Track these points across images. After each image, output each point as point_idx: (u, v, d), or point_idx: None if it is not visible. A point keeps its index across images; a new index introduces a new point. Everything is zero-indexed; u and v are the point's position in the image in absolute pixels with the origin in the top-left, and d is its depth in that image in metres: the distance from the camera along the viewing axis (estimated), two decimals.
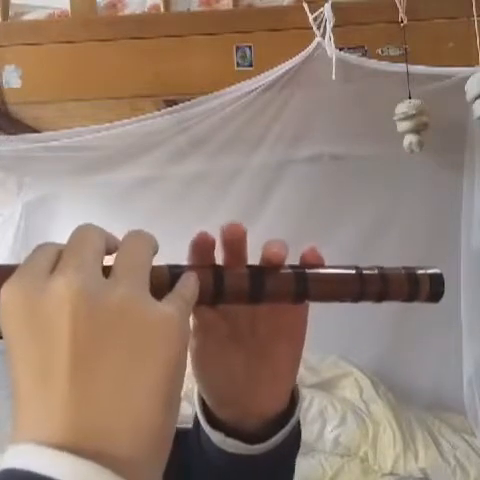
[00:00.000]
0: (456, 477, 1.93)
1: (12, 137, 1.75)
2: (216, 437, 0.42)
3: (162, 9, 1.76)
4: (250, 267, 0.37)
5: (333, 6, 1.60)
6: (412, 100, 1.55)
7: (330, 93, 1.71)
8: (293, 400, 0.44)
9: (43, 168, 2.03)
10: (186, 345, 0.31)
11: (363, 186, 2.31)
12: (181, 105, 1.71)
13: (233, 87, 1.65)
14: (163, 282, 0.33)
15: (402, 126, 1.57)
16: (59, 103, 1.74)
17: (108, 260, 0.32)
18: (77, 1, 1.75)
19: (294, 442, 0.45)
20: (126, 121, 1.75)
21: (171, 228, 2.34)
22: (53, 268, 0.30)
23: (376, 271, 0.38)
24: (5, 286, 0.29)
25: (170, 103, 1.75)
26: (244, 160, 2.07)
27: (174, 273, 0.34)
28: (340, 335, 2.34)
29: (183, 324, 0.31)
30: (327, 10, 1.60)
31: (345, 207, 2.33)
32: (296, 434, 0.45)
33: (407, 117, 1.54)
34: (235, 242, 0.38)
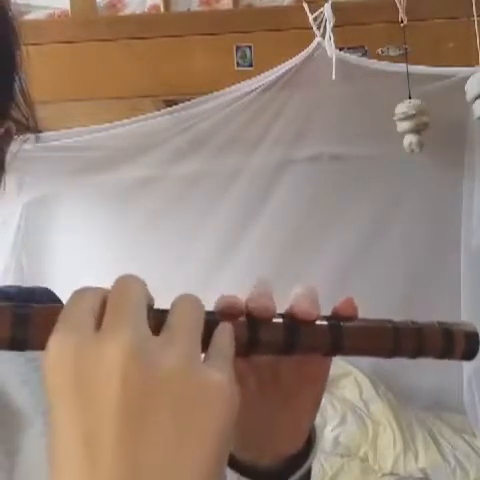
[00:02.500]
0: (456, 477, 1.93)
1: (19, 138, 1.74)
2: (231, 477, 0.42)
3: (162, 9, 1.76)
4: (283, 317, 0.36)
5: (333, 6, 1.60)
6: (412, 100, 1.55)
7: (330, 93, 1.71)
8: (309, 440, 0.44)
9: (43, 168, 2.03)
10: (236, 409, 0.29)
11: (363, 186, 2.31)
12: (181, 105, 1.71)
13: (233, 87, 1.65)
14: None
15: (402, 126, 1.57)
16: (59, 103, 1.74)
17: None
18: (77, 1, 1.75)
19: None
20: (126, 121, 1.75)
21: (171, 228, 2.35)
22: (99, 321, 0.28)
23: (411, 326, 0.38)
24: (51, 343, 0.28)
25: (170, 103, 1.75)
26: (244, 160, 2.07)
27: (209, 321, 0.33)
28: None
29: (232, 388, 0.29)
30: (327, 10, 1.60)
31: (345, 207, 2.33)
32: (308, 475, 0.45)
33: (407, 117, 1.54)
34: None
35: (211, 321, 0.33)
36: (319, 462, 1.98)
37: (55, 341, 0.28)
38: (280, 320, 0.36)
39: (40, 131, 0.49)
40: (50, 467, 0.27)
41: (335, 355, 0.38)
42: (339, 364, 2.36)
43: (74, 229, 2.44)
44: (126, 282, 0.30)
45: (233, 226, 2.26)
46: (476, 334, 0.39)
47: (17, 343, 0.30)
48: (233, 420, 0.29)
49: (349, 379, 2.31)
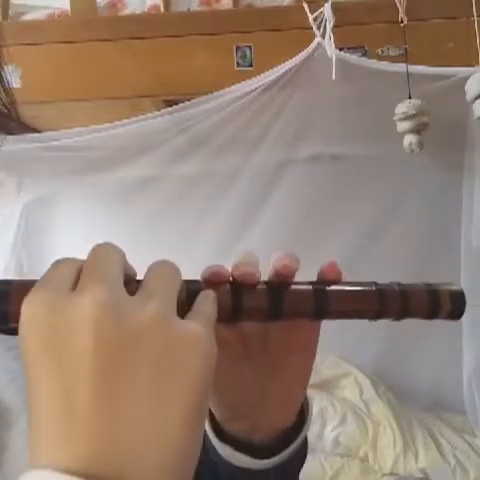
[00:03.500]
0: (456, 477, 1.93)
1: (12, 137, 1.74)
2: (224, 451, 0.41)
3: (162, 9, 1.76)
4: (268, 283, 0.36)
5: (333, 6, 1.60)
6: (412, 100, 1.55)
7: (330, 93, 1.70)
8: (302, 414, 0.44)
9: (43, 168, 2.03)
10: (214, 364, 0.30)
11: (363, 186, 2.31)
12: (181, 105, 1.71)
13: (233, 87, 1.65)
14: (181, 299, 0.32)
15: (402, 126, 1.57)
16: (59, 103, 1.74)
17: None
18: (77, 1, 1.75)
19: (301, 457, 0.44)
20: (126, 121, 1.75)
21: (171, 228, 2.35)
22: (74, 284, 0.29)
23: (396, 288, 0.38)
24: (25, 302, 0.28)
25: (170, 103, 1.75)
26: (244, 160, 2.07)
27: (192, 289, 0.33)
28: (340, 335, 2.34)
29: (210, 342, 0.30)
30: (327, 10, 1.60)
31: (345, 207, 2.33)
32: (303, 449, 0.44)
33: (407, 117, 1.54)
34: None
35: (194, 289, 0.33)
36: (319, 462, 1.98)
37: (29, 301, 0.28)
38: (264, 286, 0.36)
39: (29, 131, 0.49)
40: (28, 424, 0.27)
41: (321, 320, 0.38)
42: (339, 364, 2.36)
43: (74, 229, 2.44)
44: (103, 249, 0.31)
45: (233, 226, 2.26)
46: (462, 293, 0.39)
47: None
48: (211, 374, 0.29)
49: (349, 379, 2.31)
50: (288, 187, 2.24)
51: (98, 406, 0.25)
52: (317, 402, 2.14)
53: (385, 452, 2.04)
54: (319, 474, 1.93)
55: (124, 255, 0.31)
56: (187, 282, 0.33)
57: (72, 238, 2.41)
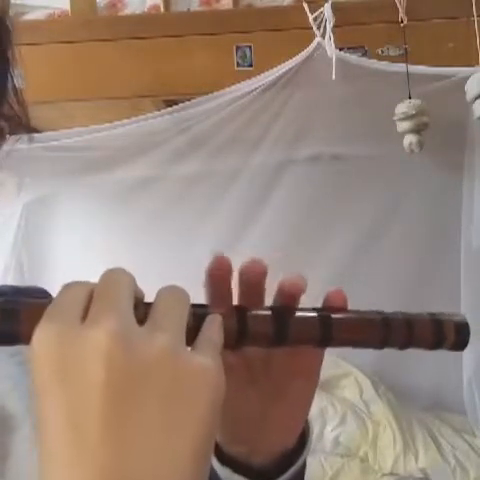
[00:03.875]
0: (456, 477, 1.93)
1: (11, 137, 1.74)
2: (223, 473, 0.41)
3: (162, 9, 1.76)
4: (273, 309, 0.36)
5: (333, 6, 1.60)
6: (412, 100, 1.55)
7: (330, 93, 1.70)
8: (303, 437, 0.44)
9: (43, 168, 2.03)
10: (222, 395, 0.30)
11: (363, 186, 2.31)
12: (181, 105, 1.71)
13: (233, 87, 1.65)
14: (189, 323, 0.32)
15: (402, 126, 1.57)
16: (59, 103, 1.74)
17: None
18: (77, 1, 1.75)
19: (300, 478, 0.44)
20: (126, 121, 1.75)
21: (171, 228, 2.35)
22: (85, 312, 0.29)
23: (400, 316, 0.38)
24: (37, 332, 0.28)
25: (170, 103, 1.75)
26: (244, 160, 2.07)
27: (199, 313, 0.33)
28: None
29: (219, 375, 0.30)
30: (327, 10, 1.60)
31: (345, 207, 2.33)
32: (302, 472, 0.44)
33: (407, 117, 1.54)
34: (255, 284, 0.37)
35: (200, 314, 0.33)
36: (319, 462, 1.98)
37: (40, 330, 0.28)
38: (269, 312, 0.36)
39: (34, 131, 0.50)
40: (39, 456, 0.27)
41: (325, 347, 0.38)
42: (339, 364, 2.36)
43: (74, 229, 2.44)
44: (114, 274, 0.31)
45: (233, 226, 2.26)
46: (466, 324, 0.39)
47: (6, 337, 0.30)
48: (219, 406, 0.29)
49: (349, 379, 2.31)
50: (288, 187, 2.24)
51: (107, 437, 0.26)
52: (317, 402, 2.14)
53: (385, 452, 2.04)
54: (319, 474, 1.93)
55: (134, 280, 0.31)
56: (194, 306, 0.33)
57: (72, 238, 2.41)
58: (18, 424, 0.42)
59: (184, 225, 2.34)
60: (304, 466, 0.44)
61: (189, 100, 1.69)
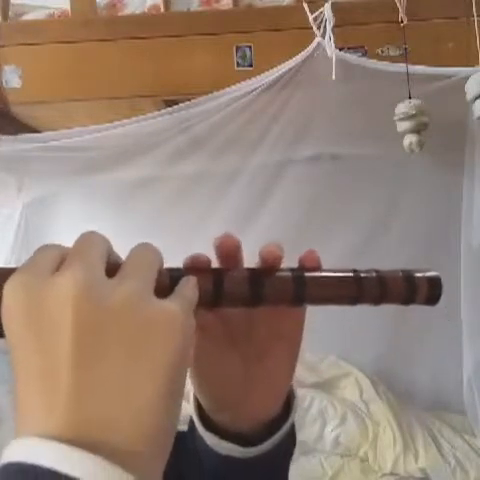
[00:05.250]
0: (456, 477, 1.93)
1: (12, 137, 1.75)
2: (211, 439, 0.42)
3: (162, 9, 1.76)
4: (249, 270, 0.37)
5: (333, 6, 1.60)
6: (412, 100, 1.55)
7: (330, 93, 1.70)
8: (288, 404, 0.44)
9: (43, 168, 2.03)
10: (190, 342, 0.31)
11: (363, 186, 2.31)
12: (181, 105, 1.71)
13: (233, 87, 1.65)
14: (163, 284, 0.33)
15: (402, 126, 1.57)
16: (59, 103, 1.74)
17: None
18: (77, 1, 1.75)
19: (288, 446, 0.45)
20: (126, 121, 1.75)
21: (171, 228, 2.35)
22: (57, 268, 0.30)
23: (374, 274, 0.38)
24: (7, 284, 0.29)
25: (170, 103, 1.75)
26: (244, 160, 2.07)
27: (174, 276, 0.34)
28: (340, 335, 2.34)
29: (186, 321, 0.31)
30: (327, 10, 1.60)
31: (345, 207, 2.33)
32: (291, 438, 0.44)
33: (407, 117, 1.54)
34: (230, 256, 0.38)
35: (177, 276, 0.34)
36: (319, 462, 1.98)
37: (10, 282, 0.29)
38: (245, 273, 0.37)
39: (33, 131, 0.50)
40: (14, 398, 0.28)
41: (300, 305, 0.39)
42: (339, 364, 2.36)
43: (74, 229, 2.42)
44: (87, 235, 0.32)
45: (233, 226, 2.26)
46: (438, 279, 0.39)
47: None
48: (187, 352, 0.30)
49: (349, 379, 2.31)
50: (288, 187, 2.25)
51: (78, 379, 0.27)
52: (317, 402, 2.14)
53: (385, 452, 2.04)
54: (319, 474, 1.93)
55: (108, 242, 0.32)
56: (170, 269, 0.34)
57: (72, 238, 2.40)
58: (5, 416, 0.42)
59: (184, 225, 2.34)
60: (293, 434, 0.45)
61: (189, 100, 1.69)
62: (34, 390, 0.27)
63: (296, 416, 0.44)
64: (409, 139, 1.57)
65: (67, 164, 1.98)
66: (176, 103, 1.73)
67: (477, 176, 1.89)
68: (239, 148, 1.99)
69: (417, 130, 1.56)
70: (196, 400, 0.43)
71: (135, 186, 2.30)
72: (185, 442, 0.44)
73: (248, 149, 1.99)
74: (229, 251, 0.38)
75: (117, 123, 1.76)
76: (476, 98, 1.49)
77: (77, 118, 1.86)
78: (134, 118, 1.75)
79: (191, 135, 1.83)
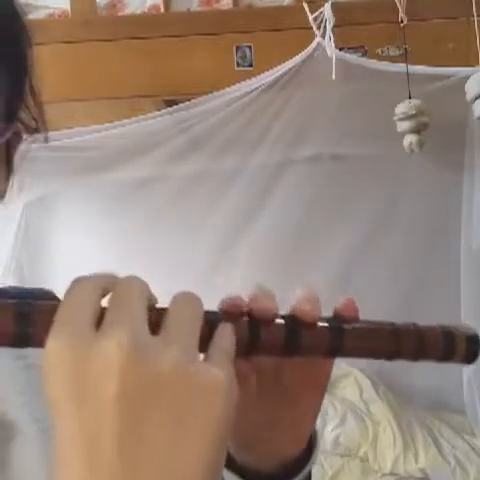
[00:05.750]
0: (456, 477, 1.93)
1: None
2: (231, 479, 0.42)
3: (162, 9, 1.76)
4: (284, 318, 0.36)
5: (333, 6, 1.60)
6: (412, 100, 1.55)
7: (330, 93, 1.71)
8: (310, 444, 0.44)
9: (43, 168, 2.03)
10: (234, 407, 0.30)
11: (363, 186, 2.31)
12: (181, 105, 1.71)
13: (233, 87, 1.65)
14: (203, 334, 0.31)
15: (402, 126, 1.57)
16: (59, 103, 1.74)
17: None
18: (77, 1, 1.75)
19: None
20: (126, 121, 1.75)
21: (171, 228, 2.35)
22: (98, 318, 0.28)
23: (411, 329, 0.38)
24: (50, 340, 0.28)
25: (170, 103, 1.75)
26: (244, 160, 2.07)
27: (211, 320, 0.33)
28: None
29: (231, 385, 0.30)
30: (327, 10, 1.60)
31: (345, 207, 2.33)
32: (309, 476, 0.45)
33: (407, 117, 1.54)
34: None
35: (213, 321, 0.33)
36: (319, 462, 1.98)
37: (53, 339, 0.28)
38: (282, 321, 0.36)
39: (37, 130, 0.50)
40: (54, 465, 0.27)
41: (336, 357, 0.38)
42: (339, 365, 2.36)
43: (74, 229, 2.44)
44: (128, 282, 0.30)
45: (233, 226, 2.26)
46: (477, 337, 0.39)
47: (19, 340, 0.30)
48: (231, 417, 0.29)
49: (349, 379, 2.31)
50: (288, 187, 2.25)
51: (120, 453, 0.26)
52: None
53: (385, 452, 2.04)
54: (319, 474, 1.93)
55: (148, 287, 0.31)
56: (206, 312, 0.33)
57: (72, 238, 2.41)
58: (19, 430, 0.42)
59: (184, 225, 2.34)
60: (310, 475, 0.45)
61: (189, 100, 1.69)
62: (73, 461, 0.26)
63: None
64: (409, 139, 1.57)
65: (67, 164, 1.98)
66: (176, 103, 1.73)
67: (477, 176, 1.89)
68: (239, 148, 1.99)
69: (417, 130, 1.56)
70: None
71: (135, 186, 2.30)
72: None
73: (248, 149, 1.99)
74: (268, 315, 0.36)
75: (117, 123, 1.76)
76: (476, 98, 1.49)
77: (77, 118, 1.86)
78: (134, 118, 1.75)
79: (191, 135, 1.83)
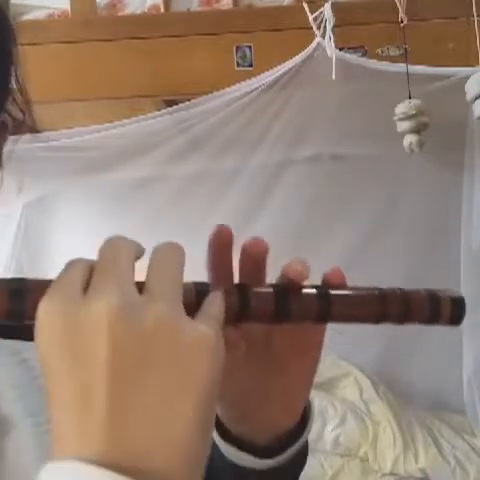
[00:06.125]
0: (456, 477, 1.93)
1: (13, 137, 1.74)
2: (228, 450, 0.42)
3: (162, 9, 1.76)
4: (274, 286, 0.37)
5: (333, 6, 1.60)
6: (412, 100, 1.55)
7: (330, 93, 1.71)
8: (305, 416, 0.44)
9: (43, 168, 2.03)
10: (222, 365, 0.30)
11: (363, 186, 2.31)
12: (181, 105, 1.71)
13: (233, 87, 1.65)
14: (191, 300, 0.32)
15: (402, 126, 1.57)
16: (59, 103, 1.74)
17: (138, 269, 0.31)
18: (77, 1, 1.75)
19: (302, 459, 0.45)
20: (126, 121, 1.75)
21: (171, 228, 2.34)
22: (87, 285, 0.29)
23: (398, 293, 0.39)
24: (41, 306, 0.29)
25: (170, 103, 1.75)
26: (244, 160, 2.07)
27: (200, 291, 0.34)
28: (340, 335, 2.34)
29: (219, 344, 0.30)
30: (327, 10, 1.60)
31: (345, 207, 2.33)
32: (304, 452, 0.45)
33: (407, 117, 1.54)
34: (259, 261, 0.38)
35: (203, 290, 0.34)
36: (319, 462, 1.98)
37: (44, 305, 0.29)
38: (270, 289, 0.36)
39: (37, 130, 0.50)
40: (49, 420, 0.28)
41: (324, 322, 0.39)
42: (339, 364, 2.36)
43: (74, 229, 2.44)
44: (114, 242, 0.31)
45: (233, 226, 2.25)
46: (462, 299, 0.40)
47: (13, 316, 0.31)
48: (219, 373, 0.30)
49: (349, 379, 2.31)
50: (288, 187, 2.25)
51: (113, 405, 0.27)
52: (317, 402, 2.14)
53: (385, 452, 2.04)
54: (319, 474, 1.93)
55: (136, 246, 0.32)
56: (196, 283, 0.34)
57: (72, 238, 2.41)
58: (14, 424, 0.42)
59: (184, 225, 2.34)
60: (306, 446, 0.45)
61: (189, 100, 1.69)
62: (68, 416, 0.27)
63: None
64: (409, 139, 1.57)
65: (67, 164, 1.98)
66: (176, 103, 1.73)
67: (477, 176, 1.89)
68: (239, 148, 1.99)
69: (417, 130, 1.56)
70: None
71: (135, 186, 2.30)
72: None
73: (248, 149, 1.99)
74: (257, 256, 0.38)
75: (117, 123, 1.76)
76: (476, 98, 1.49)
77: (77, 118, 1.86)
78: (134, 118, 1.75)
79: (191, 135, 1.83)
